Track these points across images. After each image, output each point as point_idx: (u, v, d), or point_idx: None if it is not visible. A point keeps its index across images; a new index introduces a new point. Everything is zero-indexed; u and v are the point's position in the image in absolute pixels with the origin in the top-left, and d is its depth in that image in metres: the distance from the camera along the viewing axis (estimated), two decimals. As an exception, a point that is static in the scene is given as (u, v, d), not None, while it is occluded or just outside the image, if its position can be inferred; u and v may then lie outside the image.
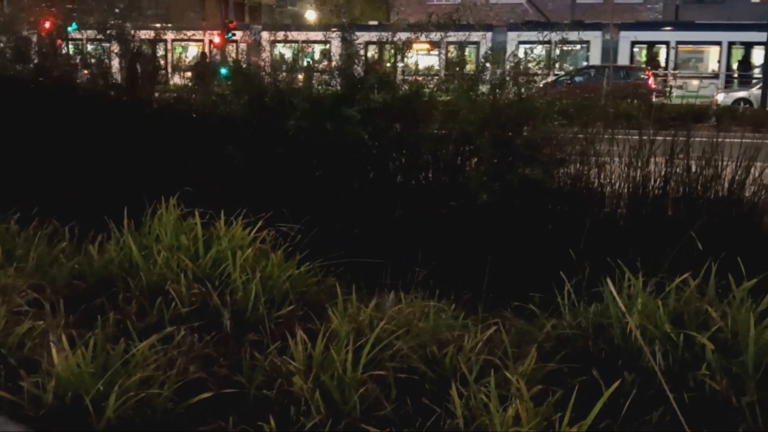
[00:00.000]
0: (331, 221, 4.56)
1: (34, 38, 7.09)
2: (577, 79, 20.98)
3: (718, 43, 27.92)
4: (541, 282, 3.51)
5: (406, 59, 5.81)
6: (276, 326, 3.05)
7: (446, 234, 4.56)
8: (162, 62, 7.30)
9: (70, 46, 7.29)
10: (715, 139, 5.19)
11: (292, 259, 3.60)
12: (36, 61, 6.70)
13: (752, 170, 4.93)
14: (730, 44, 28.10)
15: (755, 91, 20.71)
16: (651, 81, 22.38)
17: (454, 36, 5.80)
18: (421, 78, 5.76)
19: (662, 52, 29.24)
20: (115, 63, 6.57)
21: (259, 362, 2.67)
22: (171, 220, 3.96)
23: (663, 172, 4.99)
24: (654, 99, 17.27)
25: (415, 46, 5.58)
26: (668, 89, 23.54)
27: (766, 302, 2.71)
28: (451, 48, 6.21)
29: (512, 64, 5.51)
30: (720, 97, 21.87)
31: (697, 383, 2.47)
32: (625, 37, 28.04)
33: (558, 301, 3.16)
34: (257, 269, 3.33)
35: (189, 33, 8.69)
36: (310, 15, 38.38)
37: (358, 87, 4.96)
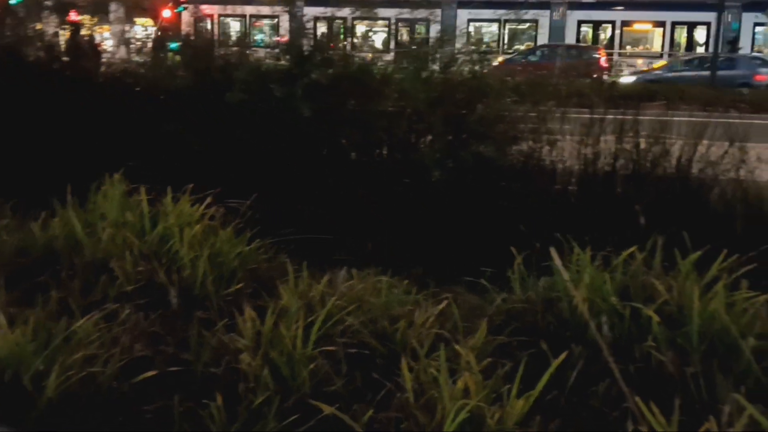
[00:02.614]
0: (284, 198, 4.50)
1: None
2: (531, 57, 21.17)
3: (662, 23, 28.45)
4: (494, 258, 3.52)
5: (359, 36, 5.76)
6: (225, 303, 3.00)
7: (400, 211, 4.55)
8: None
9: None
10: (663, 118, 5.29)
11: (242, 236, 3.54)
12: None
13: (699, 148, 5.04)
14: (674, 24, 28.68)
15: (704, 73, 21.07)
16: (603, 60, 22.67)
17: (403, 13, 5.76)
18: (371, 55, 5.72)
19: (608, 31, 29.68)
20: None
21: (207, 340, 2.62)
22: (116, 196, 3.85)
23: (613, 150, 5.07)
24: (606, 77, 17.56)
25: (370, 23, 5.54)
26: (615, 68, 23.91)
27: (710, 274, 2.77)
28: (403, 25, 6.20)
29: (463, 41, 5.51)
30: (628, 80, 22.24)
31: (643, 355, 2.51)
32: (573, 16, 28.39)
33: (509, 276, 3.18)
34: (206, 246, 3.26)
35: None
36: (264, -12, 37.72)
37: (303, 62, 4.89)
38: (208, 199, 3.66)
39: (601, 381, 2.39)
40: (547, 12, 28.72)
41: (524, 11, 24.41)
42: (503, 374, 2.30)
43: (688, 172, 4.94)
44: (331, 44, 5.75)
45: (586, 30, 29.89)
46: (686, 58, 24.01)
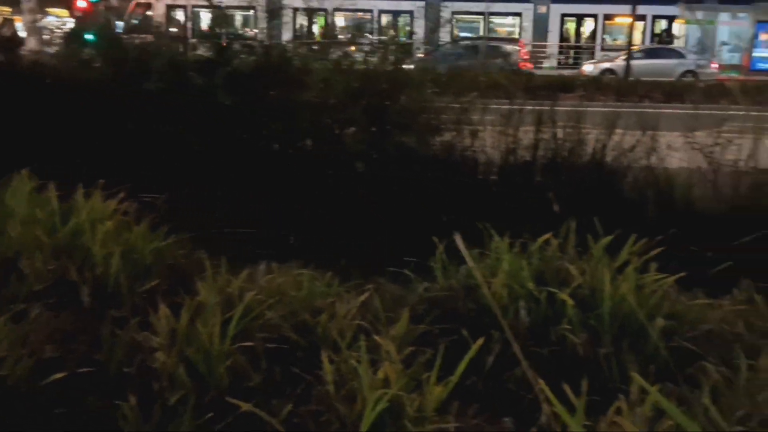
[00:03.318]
0: (205, 192, 4.40)
1: None
2: (454, 50, 21.45)
3: (643, 17, 29.33)
4: (418, 247, 3.54)
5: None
6: (140, 300, 2.90)
7: (323, 203, 4.53)
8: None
9: None
10: (580, 108, 5.45)
11: (158, 231, 3.43)
12: None
13: (613, 137, 5.21)
14: (654, 17, 29.65)
15: (620, 62, 21.90)
16: (523, 52, 23.19)
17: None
18: (291, 44, 5.67)
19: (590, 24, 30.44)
20: None
21: (120, 338, 2.53)
22: (24, 193, 3.69)
23: (532, 140, 5.18)
24: (525, 69, 17.98)
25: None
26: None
27: (621, 258, 2.86)
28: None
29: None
30: (588, 68, 23.04)
31: (558, 337, 2.58)
32: (556, 10, 29.04)
33: (431, 265, 3.20)
34: (119, 242, 3.15)
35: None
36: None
37: (222, 51, 4.80)
38: (121, 194, 3.54)
39: (519, 365, 2.44)
40: (531, 5, 29.37)
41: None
42: (424, 362, 2.31)
43: (603, 161, 5.10)
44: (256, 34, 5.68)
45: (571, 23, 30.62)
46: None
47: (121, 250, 3.08)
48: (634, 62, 21.06)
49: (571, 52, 29.50)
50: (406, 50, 5.89)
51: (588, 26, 30.43)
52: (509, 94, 5.82)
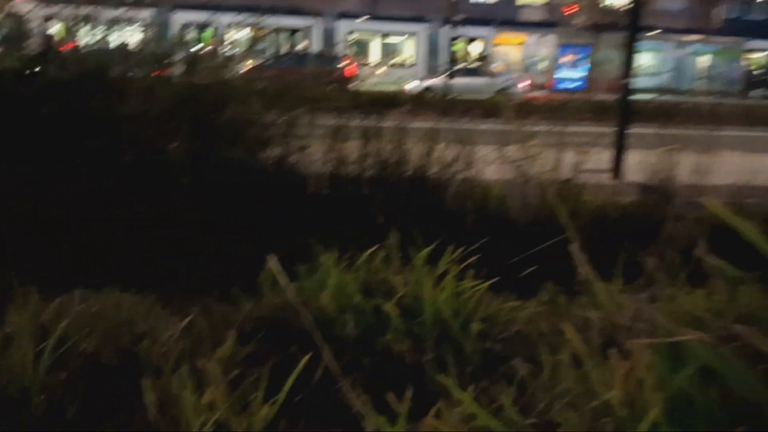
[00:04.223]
0: (13, 212, 4.07)
1: None
2: (281, 64, 21.48)
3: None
4: (248, 265, 3.51)
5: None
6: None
7: (146, 221, 4.34)
8: None
9: None
10: (404, 124, 5.68)
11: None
12: None
13: (434, 151, 5.49)
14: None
15: (440, 81, 23.11)
16: (350, 68, 23.72)
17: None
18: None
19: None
20: None
21: None
22: None
23: (360, 154, 5.32)
24: (352, 85, 18.37)
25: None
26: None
27: (441, 267, 3.02)
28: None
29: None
30: (410, 86, 24.05)
31: (384, 347, 2.67)
32: (444, 33, 29.98)
33: (260, 283, 3.19)
34: None
35: None
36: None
37: (34, 61, 4.48)
38: None
39: (348, 375, 2.49)
40: (426, 25, 30.07)
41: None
42: (252, 382, 2.29)
43: (426, 174, 5.35)
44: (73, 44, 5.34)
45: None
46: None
47: None
48: (452, 81, 22.33)
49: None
50: (229, 63, 5.83)
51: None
52: (338, 108, 5.94)
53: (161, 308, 2.92)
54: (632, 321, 1.37)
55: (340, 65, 23.62)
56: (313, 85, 7.93)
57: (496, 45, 30.65)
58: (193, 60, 5.05)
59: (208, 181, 4.67)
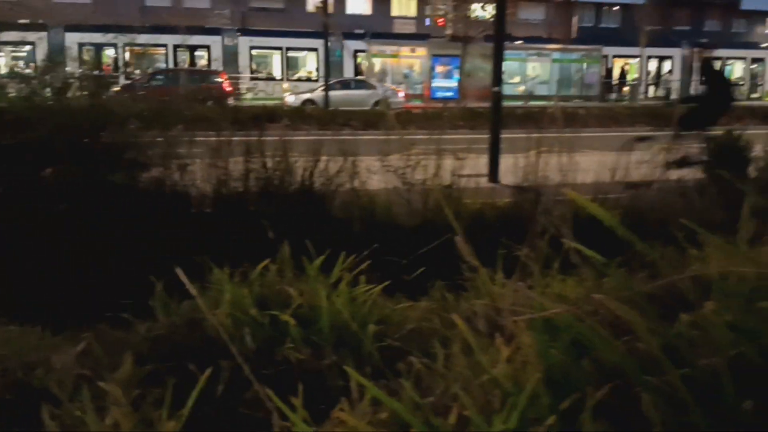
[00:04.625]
0: None
1: None
2: (153, 82, 20.92)
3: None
4: (138, 288, 3.46)
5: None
6: None
7: (28, 252, 4.17)
8: None
9: None
10: (286, 138, 5.74)
11: None
12: None
13: (319, 163, 5.59)
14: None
15: (320, 93, 23.24)
16: (226, 84, 23.42)
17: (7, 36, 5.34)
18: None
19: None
20: None
21: None
22: None
23: (243, 170, 5.33)
24: (231, 101, 18.16)
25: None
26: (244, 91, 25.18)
27: (335, 275, 3.12)
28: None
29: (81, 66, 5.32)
30: (290, 99, 24.04)
31: (284, 357, 2.73)
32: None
33: (152, 305, 3.16)
34: None
35: None
36: None
37: None
38: None
39: (248, 389, 2.54)
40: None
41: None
42: (153, 401, 2.29)
43: (312, 186, 5.44)
44: None
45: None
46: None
47: None
48: (332, 93, 22.52)
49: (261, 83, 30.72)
50: (102, 84, 5.68)
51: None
52: (217, 126, 5.92)
53: (52, 337, 2.83)
54: (512, 305, 1.52)
55: (216, 81, 23.26)
56: (190, 102, 7.83)
57: (373, 56, 31.22)
58: (66, 84, 4.90)
59: (88, 207, 4.54)
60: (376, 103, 23.50)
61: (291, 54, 31.75)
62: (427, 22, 37.26)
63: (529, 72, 33.29)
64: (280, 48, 31.37)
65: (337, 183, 5.54)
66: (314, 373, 2.68)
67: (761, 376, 1.18)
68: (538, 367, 1.30)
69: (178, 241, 4.34)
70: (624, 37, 33.70)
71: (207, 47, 30.04)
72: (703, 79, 9.71)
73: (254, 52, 30.98)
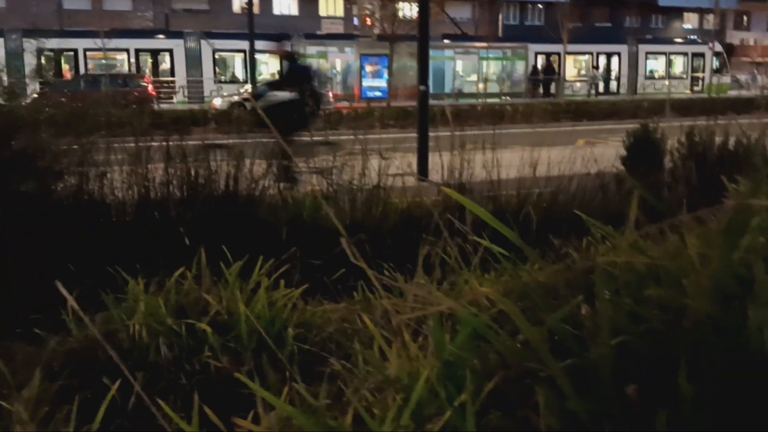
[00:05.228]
0: None
1: None
2: (74, 87, 20.29)
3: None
4: (52, 302, 3.34)
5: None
6: None
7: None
8: None
9: None
10: (211, 142, 5.65)
11: None
12: None
13: (244, 167, 5.51)
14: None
15: (248, 95, 22.94)
16: (150, 88, 22.90)
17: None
18: None
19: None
20: None
21: None
22: None
23: (165, 177, 5.21)
24: (155, 106, 17.76)
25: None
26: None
27: (254, 280, 3.08)
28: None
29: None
30: (217, 102, 23.68)
31: (202, 365, 2.68)
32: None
33: (63, 318, 3.06)
34: None
35: None
36: None
37: None
38: None
39: (167, 397, 2.49)
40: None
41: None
42: (63, 418, 2.22)
43: (237, 190, 5.36)
44: None
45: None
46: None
47: None
48: (260, 94, 22.21)
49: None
50: (11, 90, 5.47)
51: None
52: (138, 131, 5.78)
53: (-48, 358, 2.70)
54: (414, 302, 1.54)
55: (140, 85, 22.70)
56: (109, 107, 7.62)
57: (304, 57, 31.09)
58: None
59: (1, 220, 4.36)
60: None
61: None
62: (355, 21, 37.31)
63: (457, 70, 33.78)
64: (243, 51, 31.07)
65: (263, 186, 5.48)
66: (232, 382, 2.64)
67: (644, 362, 1.23)
68: (435, 362, 1.32)
69: (97, 252, 4.21)
70: (547, 34, 34.58)
71: (170, 51, 29.50)
72: (284, 77, 9.11)
73: (217, 55, 30.45)
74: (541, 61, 35.91)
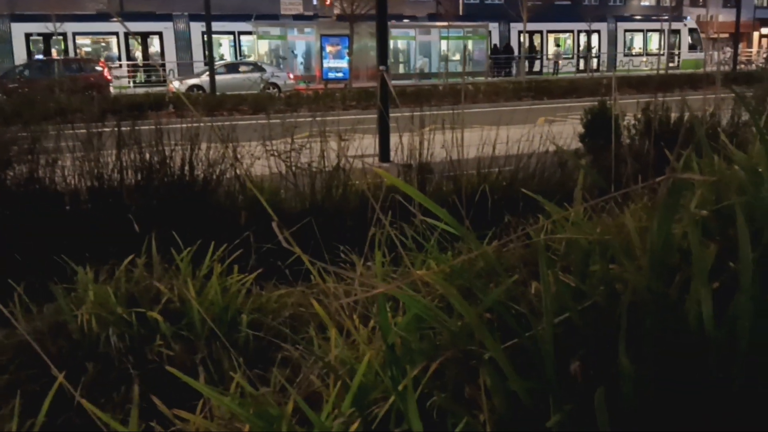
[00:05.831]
0: None
1: None
2: (26, 72, 19.72)
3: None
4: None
5: None
6: None
7: None
8: None
9: None
10: (165, 126, 5.51)
11: None
12: None
13: (199, 151, 5.40)
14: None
15: (205, 78, 22.55)
16: (106, 72, 22.37)
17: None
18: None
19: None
20: None
21: None
22: None
23: (117, 162, 5.08)
24: (112, 90, 17.36)
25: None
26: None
27: (206, 266, 3.03)
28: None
29: None
30: (175, 85, 23.23)
31: (156, 354, 2.63)
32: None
33: (10, 310, 2.97)
34: None
35: None
36: None
37: None
38: None
39: (118, 389, 2.44)
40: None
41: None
42: (9, 413, 2.16)
43: (193, 175, 5.26)
44: None
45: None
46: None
47: None
48: (219, 77, 21.90)
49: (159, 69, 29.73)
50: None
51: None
52: (92, 117, 5.62)
53: None
54: (361, 285, 1.51)
55: (96, 70, 22.15)
56: (61, 93, 7.42)
57: (260, 38, 30.65)
58: None
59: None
60: (267, 87, 23.07)
61: (245, 39, 31.09)
62: (314, 1, 36.85)
63: (417, 50, 33.65)
64: (232, 33, 30.57)
65: (219, 170, 5.38)
66: (187, 368, 2.60)
67: (584, 338, 1.22)
68: (380, 346, 1.30)
69: (47, 241, 4.10)
70: (507, 12, 34.57)
71: (159, 34, 29.02)
72: None
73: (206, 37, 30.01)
74: (499, 41, 36.16)
